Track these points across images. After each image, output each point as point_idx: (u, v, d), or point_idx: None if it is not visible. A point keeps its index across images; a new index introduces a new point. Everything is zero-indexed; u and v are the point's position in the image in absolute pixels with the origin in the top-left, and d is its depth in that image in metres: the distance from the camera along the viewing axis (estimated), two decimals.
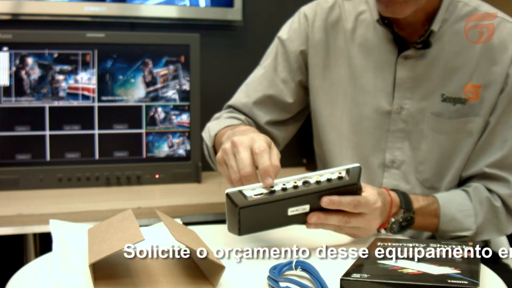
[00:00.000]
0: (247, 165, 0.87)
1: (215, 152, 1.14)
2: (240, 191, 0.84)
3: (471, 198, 1.10)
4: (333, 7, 1.20)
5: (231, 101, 1.27)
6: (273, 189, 0.85)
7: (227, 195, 0.84)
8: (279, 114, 1.24)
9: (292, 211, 0.87)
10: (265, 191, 0.85)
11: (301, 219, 0.90)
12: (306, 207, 0.88)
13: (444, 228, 1.08)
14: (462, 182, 1.16)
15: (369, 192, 0.92)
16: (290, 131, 1.28)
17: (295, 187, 0.86)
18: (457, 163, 1.13)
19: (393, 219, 1.00)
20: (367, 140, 1.17)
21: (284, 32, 1.24)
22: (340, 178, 0.88)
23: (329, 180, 0.87)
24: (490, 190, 1.12)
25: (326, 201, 0.87)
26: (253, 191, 0.84)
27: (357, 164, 0.89)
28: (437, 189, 1.15)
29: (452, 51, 1.11)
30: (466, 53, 1.10)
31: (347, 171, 0.88)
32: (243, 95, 1.25)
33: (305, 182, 0.86)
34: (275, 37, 1.25)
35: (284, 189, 0.85)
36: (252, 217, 0.86)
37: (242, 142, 0.89)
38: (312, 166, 1.80)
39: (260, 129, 1.22)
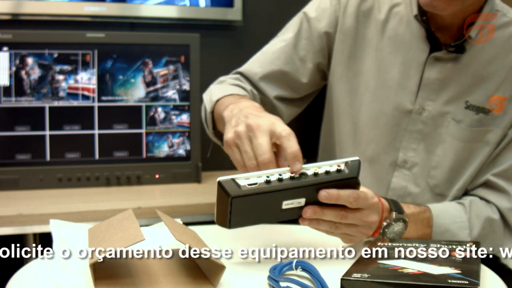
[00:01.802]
0: (266, 151, 0.81)
1: (213, 118, 1.09)
2: (233, 180, 0.78)
3: (467, 211, 1.06)
4: None
5: (242, 68, 1.21)
6: (268, 179, 0.79)
7: (219, 183, 0.78)
8: (289, 92, 1.20)
9: (287, 204, 0.82)
10: (259, 180, 0.79)
11: (295, 213, 0.85)
12: (301, 201, 0.84)
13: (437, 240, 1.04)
14: (464, 193, 1.13)
15: (364, 189, 0.89)
16: (295, 110, 1.24)
17: (292, 178, 0.81)
18: (470, 171, 1.10)
19: (385, 223, 0.94)
20: (382, 137, 1.14)
21: (311, 9, 1.19)
22: (338, 171, 0.83)
23: (327, 172, 0.83)
24: (488, 201, 1.09)
25: (324, 195, 0.83)
26: (247, 180, 0.79)
27: (356, 157, 0.85)
28: (445, 197, 1.12)
29: (484, 59, 1.08)
30: (497, 63, 1.08)
31: (346, 164, 0.84)
32: (257, 65, 1.20)
33: (302, 174, 0.81)
34: (300, 11, 1.20)
35: (280, 180, 0.80)
36: (244, 209, 0.81)
37: (260, 125, 0.83)
38: (309, 161, 1.79)
39: (267, 102, 1.18)
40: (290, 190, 0.81)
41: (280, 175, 0.80)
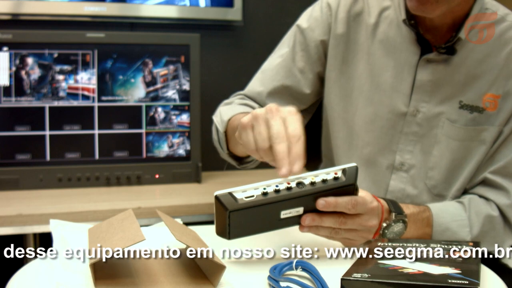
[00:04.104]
0: (281, 131, 0.80)
1: (226, 139, 1.09)
2: (230, 193, 0.79)
3: (466, 209, 1.07)
4: None
5: (245, 90, 1.22)
6: (265, 190, 0.80)
7: (216, 197, 0.79)
8: (295, 104, 1.16)
9: (285, 213, 0.83)
10: (256, 193, 0.80)
11: (294, 221, 0.85)
12: (299, 210, 0.84)
13: (437, 239, 1.04)
14: (463, 192, 1.13)
15: (363, 192, 0.89)
16: (303, 121, 1.24)
17: (289, 188, 0.81)
18: (467, 171, 1.11)
19: (385, 224, 0.94)
20: (378, 140, 1.14)
21: (303, 20, 1.20)
22: (336, 178, 0.83)
23: (324, 181, 0.82)
24: (487, 199, 1.09)
25: (322, 203, 0.83)
26: (244, 193, 0.80)
27: (354, 164, 0.84)
28: (444, 197, 1.12)
29: (475, 58, 1.09)
30: (489, 62, 1.08)
31: (343, 171, 0.84)
32: (258, 84, 1.21)
33: (299, 184, 0.82)
34: (294, 24, 1.21)
35: (277, 191, 0.80)
36: (243, 221, 0.81)
37: (280, 110, 0.82)
38: (312, 167, 1.79)
39: None
40: (287, 200, 0.81)
41: (277, 186, 0.81)
